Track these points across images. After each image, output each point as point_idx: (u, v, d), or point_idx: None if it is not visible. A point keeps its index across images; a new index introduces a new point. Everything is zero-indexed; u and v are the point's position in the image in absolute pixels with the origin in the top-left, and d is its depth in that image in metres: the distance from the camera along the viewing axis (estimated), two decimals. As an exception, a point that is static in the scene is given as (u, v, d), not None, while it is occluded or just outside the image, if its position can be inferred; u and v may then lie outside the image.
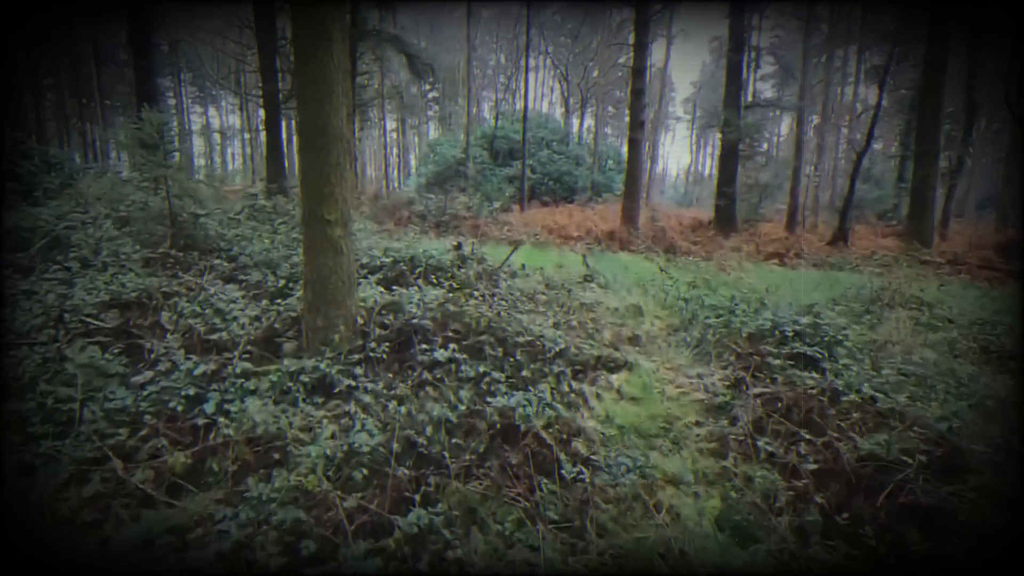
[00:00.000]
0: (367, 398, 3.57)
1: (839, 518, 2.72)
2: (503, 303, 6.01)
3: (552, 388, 4.14)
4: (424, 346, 4.28)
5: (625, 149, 17.45)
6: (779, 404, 3.86)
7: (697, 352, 5.29)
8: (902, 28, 18.18)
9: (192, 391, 3.46)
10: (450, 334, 4.62)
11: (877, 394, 3.80)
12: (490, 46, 47.71)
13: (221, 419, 3.19)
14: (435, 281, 6.13)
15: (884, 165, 30.62)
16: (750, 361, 4.64)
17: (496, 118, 34.74)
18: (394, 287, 5.53)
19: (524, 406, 3.41)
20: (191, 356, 3.92)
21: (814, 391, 3.78)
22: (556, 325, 5.86)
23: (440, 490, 2.75)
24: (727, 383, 4.48)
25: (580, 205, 24.61)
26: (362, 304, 4.63)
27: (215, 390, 3.49)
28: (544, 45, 40.84)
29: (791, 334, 4.87)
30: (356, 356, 3.99)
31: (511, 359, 4.49)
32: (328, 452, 2.79)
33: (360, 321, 4.36)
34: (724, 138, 18.02)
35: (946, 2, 14.38)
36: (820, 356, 4.51)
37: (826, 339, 4.63)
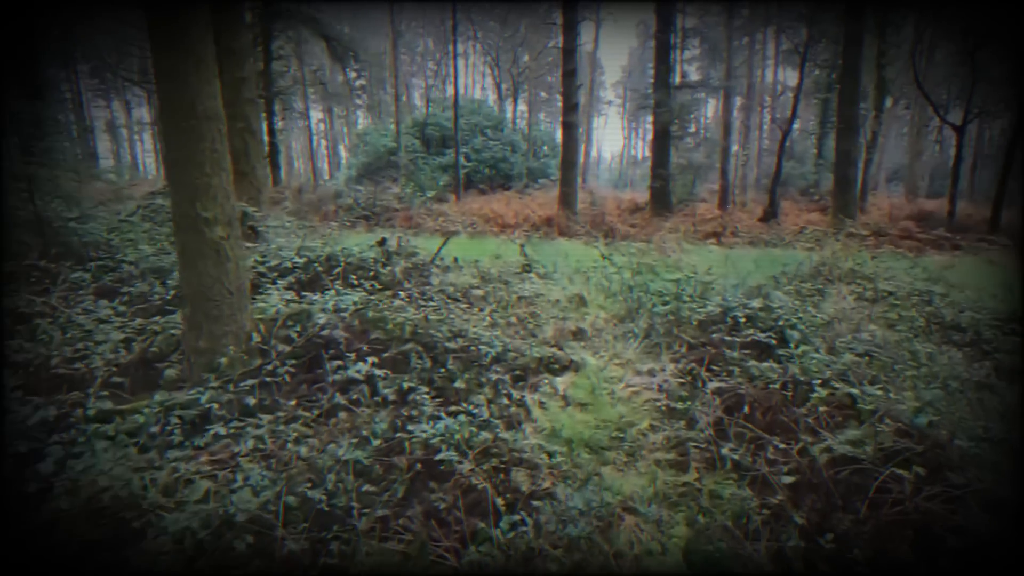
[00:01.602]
0: (260, 435, 2.90)
1: (822, 540, 2.34)
2: (433, 303, 5.41)
3: (489, 401, 3.60)
4: (337, 362, 3.63)
5: (559, 134, 17.06)
6: (739, 401, 3.49)
7: (646, 344, 4.90)
8: (817, 8, 18.66)
9: (25, 447, 2.69)
10: (369, 345, 3.99)
11: (840, 383, 3.50)
12: (417, 31, 46.19)
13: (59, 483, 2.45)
14: (356, 282, 5.44)
15: (804, 143, 31.89)
16: (703, 352, 4.28)
17: (427, 105, 33.66)
18: (306, 293, 4.81)
19: (454, 433, 2.86)
20: (33, 397, 3.10)
21: (775, 385, 3.43)
22: (493, 324, 5.33)
23: (347, 557, 2.16)
24: (681, 379, 4.10)
25: (517, 192, 24.12)
26: (261, 317, 3.91)
27: (58, 442, 2.73)
28: (473, 30, 39.92)
29: (743, 319, 4.55)
30: (250, 381, 3.29)
31: (441, 370, 3.92)
32: (195, 525, 2.13)
33: (257, 338, 3.65)
34: (656, 120, 17.97)
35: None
36: (775, 342, 4.20)
37: (780, 323, 4.34)
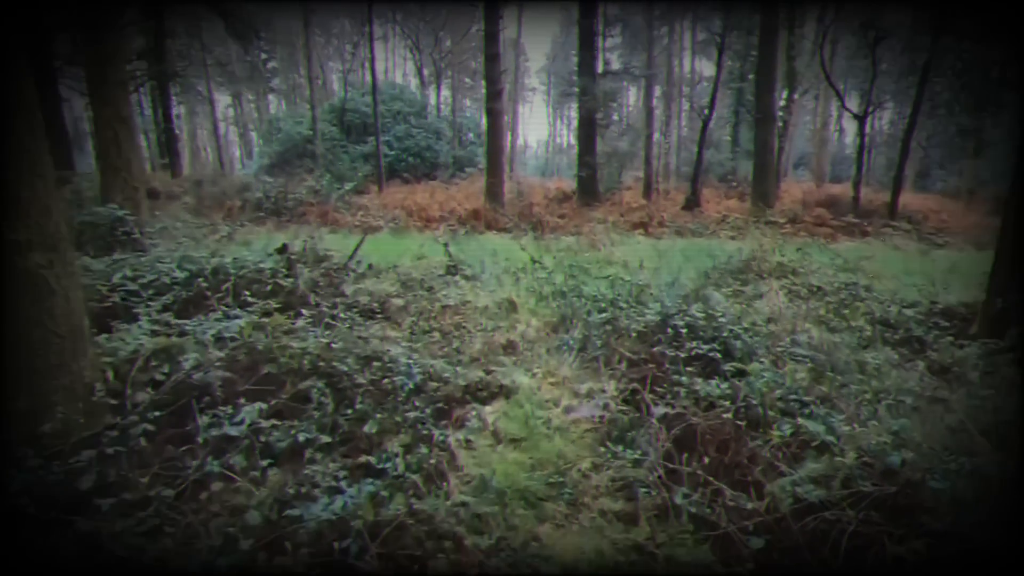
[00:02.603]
0: (90, 530, 2.18)
1: (800, 618, 1.98)
2: (343, 320, 4.73)
3: (406, 449, 3.04)
4: (211, 413, 2.93)
5: (484, 121, 16.47)
6: (689, 430, 3.12)
7: (583, 358, 4.49)
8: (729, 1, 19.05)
9: None
10: (258, 385, 3.30)
11: (794, 402, 3.22)
12: (332, 10, 43.61)
13: None
14: (250, 299, 4.65)
15: (720, 131, 33.03)
16: (645, 370, 3.90)
17: (346, 90, 31.95)
18: (181, 320, 4.00)
19: (358, 509, 2.27)
20: None
21: (728, 414, 3.09)
22: (413, 340, 4.73)
23: None
24: (623, 401, 3.71)
25: (443, 182, 23.30)
26: (109, 361, 3.10)
27: None
28: (392, 12, 38.17)
29: (684, 329, 4.23)
30: (89, 453, 2.54)
31: (349, 411, 3.30)
32: None
33: (103, 390, 2.87)
34: (581, 107, 17.75)
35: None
36: (720, 355, 3.90)
37: (724, 335, 4.04)
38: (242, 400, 3.06)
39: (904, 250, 11.45)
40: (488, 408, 3.70)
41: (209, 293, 4.59)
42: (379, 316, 5.39)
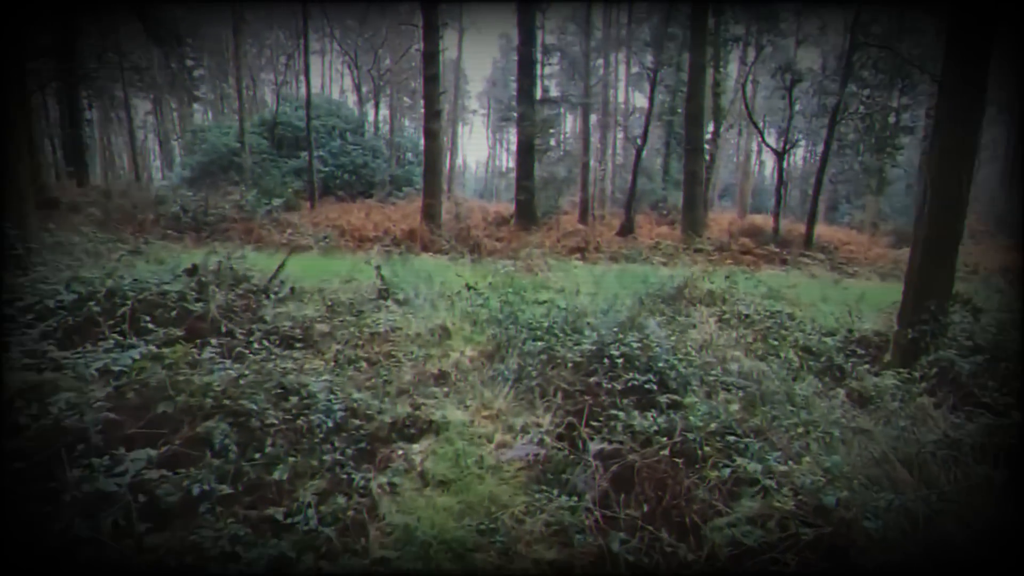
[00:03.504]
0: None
1: None
2: (259, 350, 4.34)
3: (319, 497, 2.73)
4: (86, 464, 2.51)
5: (423, 140, 16.26)
6: (626, 468, 3.01)
7: (519, 390, 4.31)
8: (661, 38, 20.01)
9: None
10: (149, 428, 2.90)
11: (728, 436, 3.18)
12: (266, 20, 42.31)
13: None
14: (150, 327, 4.17)
15: (652, 160, 34.46)
16: (581, 403, 3.78)
17: (278, 102, 30.86)
18: (66, 350, 3.51)
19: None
20: None
21: (664, 450, 3.00)
22: (338, 371, 4.41)
23: None
24: (558, 437, 3.55)
25: (379, 201, 22.77)
26: (-41, 402, 2.63)
27: None
28: (329, 27, 37.48)
29: (620, 360, 4.16)
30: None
31: (259, 454, 2.95)
32: None
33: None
34: (520, 132, 17.95)
35: (701, 16, 16.01)
36: (656, 387, 3.84)
37: (659, 365, 4.00)
38: (128, 447, 2.66)
39: (820, 279, 12.16)
40: (416, 447, 3.44)
41: (101, 319, 4.08)
42: (301, 344, 5.01)
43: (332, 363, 4.71)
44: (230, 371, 3.55)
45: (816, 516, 2.45)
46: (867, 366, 4.98)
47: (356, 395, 3.87)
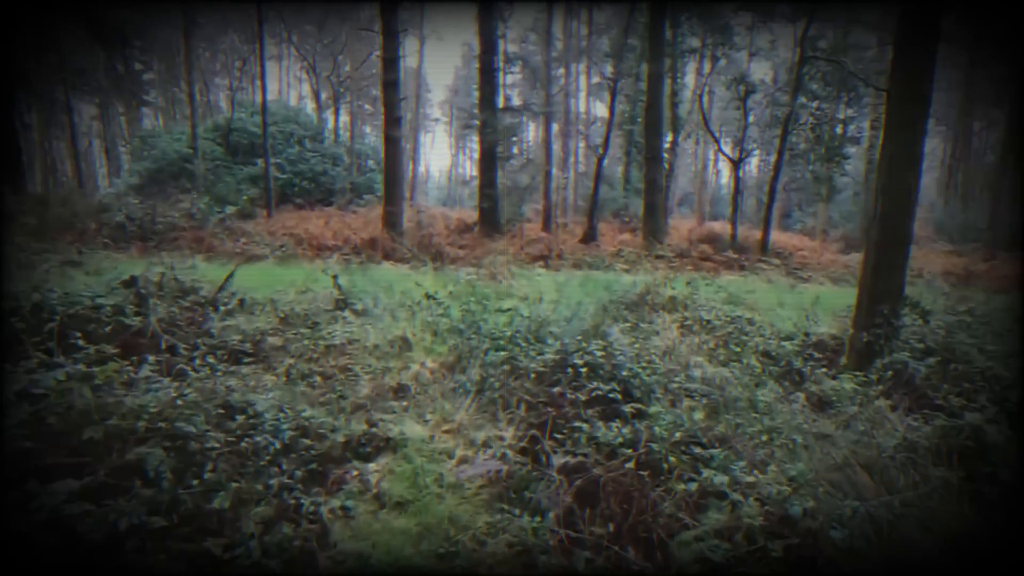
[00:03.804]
0: None
1: None
2: (203, 366, 4.07)
3: (264, 526, 2.53)
4: (-4, 501, 2.25)
5: (383, 148, 15.98)
6: (591, 481, 2.91)
7: (481, 401, 4.18)
8: (620, 49, 20.34)
9: None
10: (73, 457, 2.63)
11: (694, 446, 3.13)
12: (219, 24, 41.12)
13: None
14: (80, 344, 3.85)
15: (613, 168, 34.97)
16: (544, 414, 3.68)
17: (233, 108, 29.99)
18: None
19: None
20: None
21: (629, 463, 2.92)
22: (289, 387, 4.18)
23: None
24: (521, 451, 3.43)
25: (339, 209, 22.29)
26: None
27: None
28: (287, 32, 36.71)
29: (584, 368, 4.08)
30: None
31: (197, 481, 2.72)
32: None
33: None
34: (482, 140, 17.87)
35: (658, 28, 16.33)
36: (620, 396, 3.77)
37: (623, 374, 3.94)
38: (46, 479, 2.40)
39: (777, 284, 12.47)
40: (372, 466, 3.26)
41: (24, 336, 3.74)
42: (251, 359, 4.75)
43: (284, 378, 4.47)
44: (168, 390, 3.29)
45: (783, 527, 2.40)
46: (824, 369, 5.05)
47: (308, 412, 3.67)
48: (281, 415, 3.46)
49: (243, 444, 3.03)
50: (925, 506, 2.63)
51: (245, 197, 18.25)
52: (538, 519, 2.79)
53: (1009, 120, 24.20)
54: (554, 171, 25.57)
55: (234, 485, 2.75)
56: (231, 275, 6.01)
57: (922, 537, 2.49)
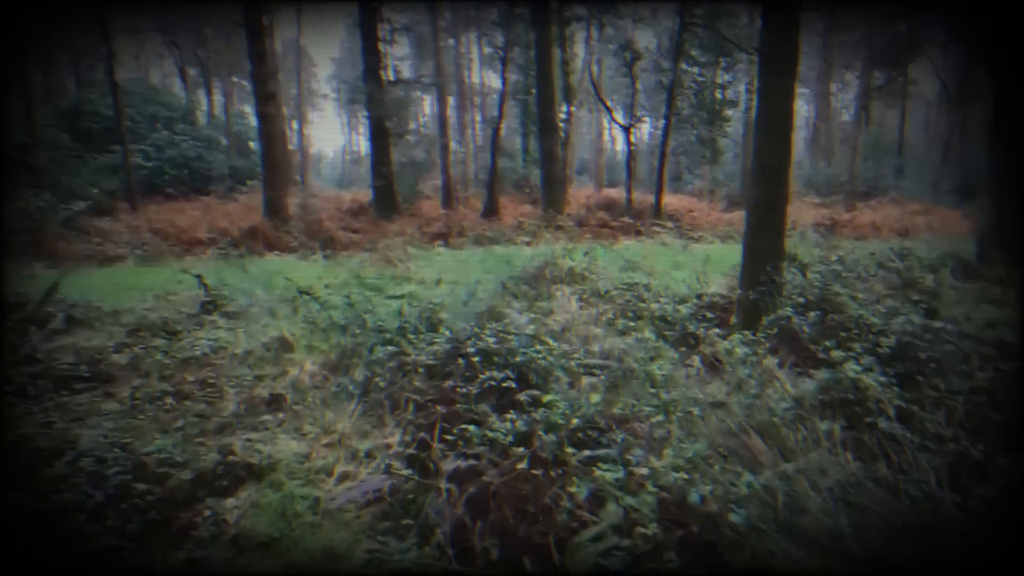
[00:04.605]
0: None
1: None
2: (12, 402, 3.32)
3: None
4: None
5: (259, 128, 14.58)
6: (484, 486, 2.64)
7: (366, 406, 3.77)
8: (508, 18, 19.90)
9: None
10: None
11: (591, 432, 2.95)
12: (53, -8, 35.50)
13: None
14: None
15: (512, 140, 34.77)
16: (434, 414, 3.35)
17: (80, 88, 26.32)
18: None
19: None
20: None
21: (522, 462, 2.67)
22: (133, 414, 3.54)
23: None
24: (409, 457, 3.09)
25: (219, 197, 20.30)
26: None
27: None
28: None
29: (477, 358, 3.78)
30: None
31: (-23, 562, 2.12)
32: None
33: None
34: (371, 115, 16.87)
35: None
36: (516, 384, 3.52)
37: (518, 359, 3.69)
38: None
39: (671, 246, 12.91)
40: (230, 502, 2.78)
41: None
42: (85, 384, 4.00)
43: (129, 403, 3.80)
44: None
45: (683, 514, 2.26)
46: (717, 330, 5.13)
47: (156, 444, 3.09)
48: (114, 452, 2.87)
49: (50, 502, 2.44)
50: (815, 467, 2.62)
51: (96, 190, 16.01)
52: (427, 534, 2.49)
53: (860, 81, 26.69)
54: (452, 145, 24.90)
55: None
56: (55, 286, 5.07)
57: (813, 500, 2.46)
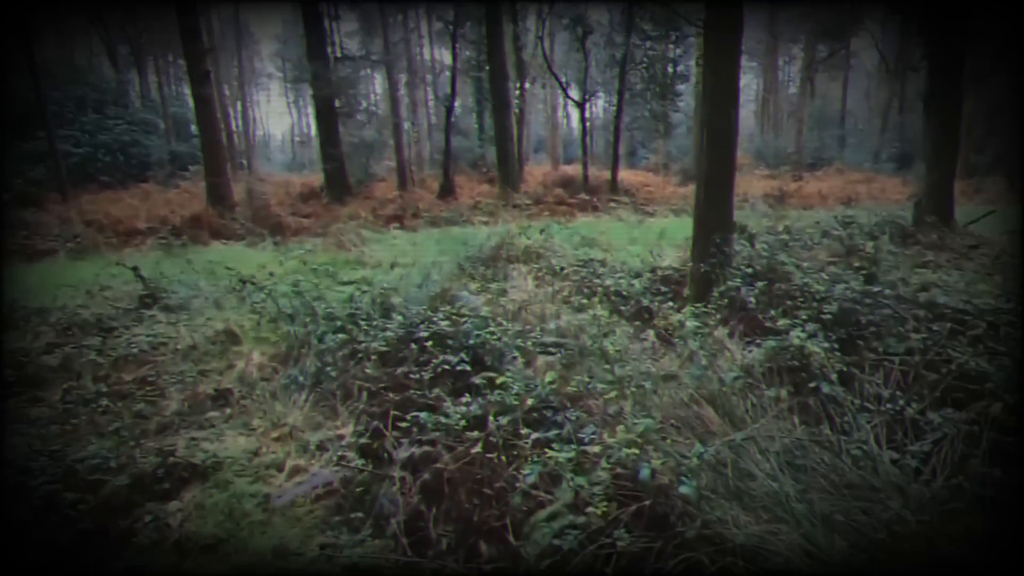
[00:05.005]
0: None
1: None
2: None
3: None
4: None
5: (194, 110, 13.82)
6: (438, 472, 2.60)
7: (317, 397, 3.66)
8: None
9: None
10: None
11: (546, 411, 2.94)
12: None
13: None
14: None
15: (467, 118, 34.20)
16: (387, 401, 3.28)
17: (-5, 71, 24.30)
18: None
19: None
20: None
21: (476, 447, 2.64)
22: (61, 420, 3.33)
23: None
24: (363, 447, 3.03)
25: (159, 184, 19.26)
26: None
27: None
28: (55, -29, 30.04)
29: (431, 341, 3.72)
30: None
31: None
32: None
33: None
34: (317, 95, 16.24)
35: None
36: (469, 367, 3.48)
37: (472, 340, 3.64)
38: None
39: (627, 221, 13.03)
40: (172, 505, 2.65)
41: None
42: (10, 390, 3.73)
43: (60, 408, 3.57)
44: None
45: (635, 487, 2.28)
46: (670, 303, 5.20)
47: (91, 449, 2.92)
48: (40, 462, 2.69)
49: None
50: (764, 434, 2.68)
51: (19, 180, 14.95)
52: (380, 524, 2.44)
53: (805, 54, 27.33)
54: (406, 124, 24.26)
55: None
56: (-28, 285, 4.69)
57: (760, 463, 2.53)
